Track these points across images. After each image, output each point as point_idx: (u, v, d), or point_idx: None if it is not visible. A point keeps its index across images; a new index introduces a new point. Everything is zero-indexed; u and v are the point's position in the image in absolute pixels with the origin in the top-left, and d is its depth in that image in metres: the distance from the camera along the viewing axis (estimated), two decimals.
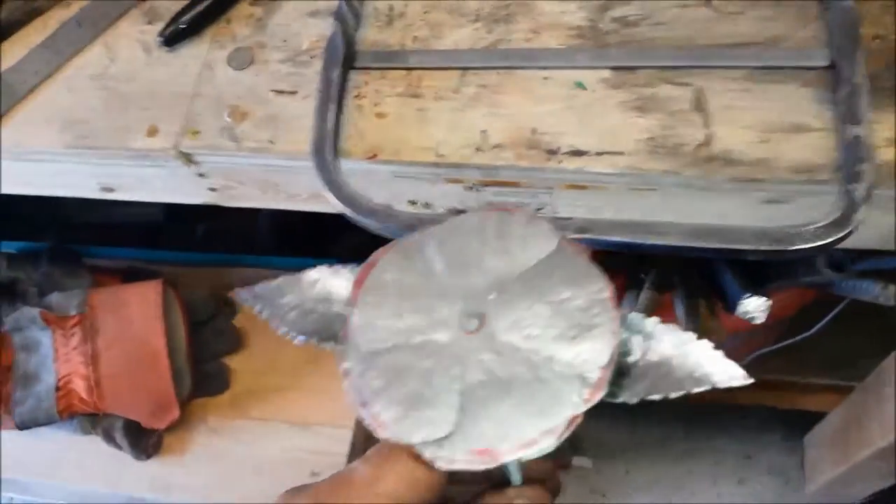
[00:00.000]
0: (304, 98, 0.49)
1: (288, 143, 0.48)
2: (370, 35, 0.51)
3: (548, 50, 0.48)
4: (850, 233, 0.39)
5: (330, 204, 0.46)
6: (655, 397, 0.30)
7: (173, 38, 0.52)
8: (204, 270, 0.89)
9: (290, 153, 0.48)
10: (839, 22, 0.45)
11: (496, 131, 0.46)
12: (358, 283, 0.34)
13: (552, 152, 0.45)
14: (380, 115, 0.48)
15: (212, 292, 0.85)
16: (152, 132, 0.50)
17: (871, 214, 0.40)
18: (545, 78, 0.47)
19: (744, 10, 0.48)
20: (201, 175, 0.52)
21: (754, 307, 0.46)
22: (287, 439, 0.77)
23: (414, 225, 0.40)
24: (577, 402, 0.29)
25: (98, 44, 0.54)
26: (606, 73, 0.47)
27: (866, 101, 0.42)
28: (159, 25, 0.53)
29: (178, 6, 0.54)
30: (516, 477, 0.33)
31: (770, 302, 0.47)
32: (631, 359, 0.31)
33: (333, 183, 0.44)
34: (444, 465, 0.30)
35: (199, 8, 0.52)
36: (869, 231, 0.43)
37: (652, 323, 0.31)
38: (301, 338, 0.36)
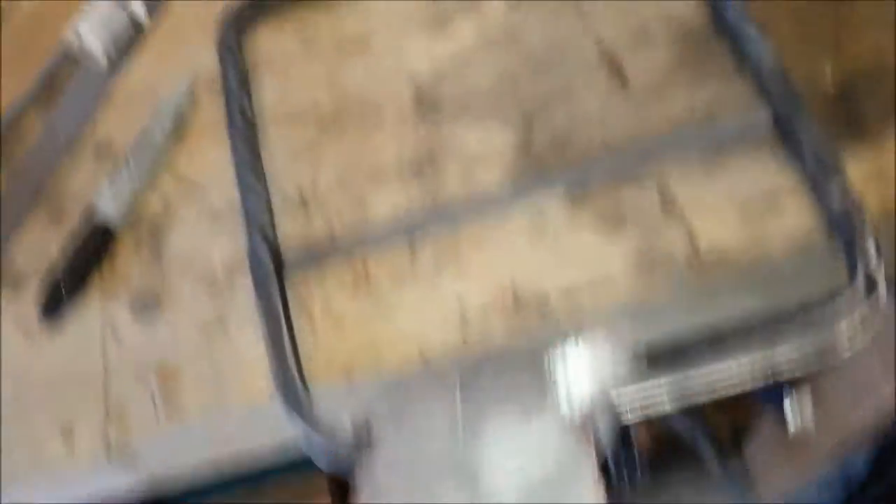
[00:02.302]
0: (239, 329, 0.41)
1: (240, 393, 0.40)
2: (288, 228, 0.44)
3: (491, 191, 0.43)
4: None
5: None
6: None
7: (53, 307, 0.42)
8: None
9: (247, 404, 0.40)
10: (763, 72, 0.43)
11: (474, 299, 0.41)
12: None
13: (543, 303, 0.40)
14: (337, 321, 0.41)
15: None
16: (67, 435, 0.40)
17: None
18: (502, 221, 0.43)
19: (662, 85, 0.45)
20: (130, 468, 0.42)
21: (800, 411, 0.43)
22: None
23: None
24: None
25: None
26: (562, 197, 0.43)
27: (831, 148, 0.40)
28: (23, 291, 0.44)
29: (35, 262, 0.44)
30: None
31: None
32: None
33: (318, 442, 0.36)
34: None
35: (75, 264, 0.42)
36: None
37: None
38: None
